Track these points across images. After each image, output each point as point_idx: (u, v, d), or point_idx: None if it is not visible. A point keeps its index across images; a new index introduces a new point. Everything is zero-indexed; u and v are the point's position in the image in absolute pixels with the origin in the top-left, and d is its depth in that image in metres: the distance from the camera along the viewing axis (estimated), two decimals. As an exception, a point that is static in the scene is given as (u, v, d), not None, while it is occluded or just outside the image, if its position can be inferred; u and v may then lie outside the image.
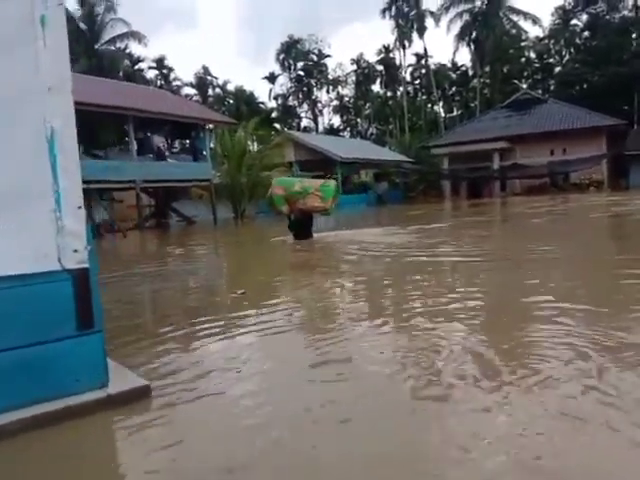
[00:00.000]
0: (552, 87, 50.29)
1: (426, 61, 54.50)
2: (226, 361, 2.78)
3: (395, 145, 47.56)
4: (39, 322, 2.07)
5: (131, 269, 7.81)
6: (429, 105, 60.48)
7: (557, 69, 51.18)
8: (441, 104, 59.53)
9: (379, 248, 8.22)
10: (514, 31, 47.40)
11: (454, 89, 59.60)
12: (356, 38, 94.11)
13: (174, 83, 55.22)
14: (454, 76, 58.36)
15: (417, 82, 60.09)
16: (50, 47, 2.07)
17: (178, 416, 2.13)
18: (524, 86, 47.74)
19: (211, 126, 24.89)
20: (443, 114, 59.72)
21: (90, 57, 40.16)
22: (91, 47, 40.95)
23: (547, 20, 67.71)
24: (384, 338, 3.11)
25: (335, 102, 65.75)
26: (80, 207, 2.16)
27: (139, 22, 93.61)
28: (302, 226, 10.38)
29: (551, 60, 52.17)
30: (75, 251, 2.13)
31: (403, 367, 2.53)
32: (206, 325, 3.65)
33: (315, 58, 61.96)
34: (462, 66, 56.72)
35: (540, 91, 47.59)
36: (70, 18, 40.96)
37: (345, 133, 65.12)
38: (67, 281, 2.11)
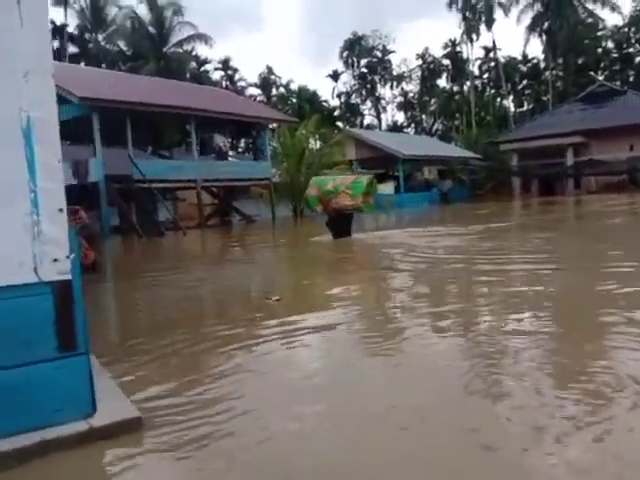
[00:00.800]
0: (632, 78, 47.05)
1: (495, 54, 52.46)
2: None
3: (461, 141, 46.08)
4: (12, 342, 1.79)
5: (175, 270, 7.68)
6: (498, 99, 58.24)
7: (638, 59, 47.85)
8: (511, 98, 57.17)
9: (426, 253, 7.55)
10: (590, 20, 44.71)
11: (525, 82, 57.06)
12: (421, 33, 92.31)
13: (239, 83, 56.05)
14: (525, 69, 55.85)
15: (485, 76, 57.97)
16: (27, 25, 1.79)
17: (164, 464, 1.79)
18: (600, 78, 44.99)
19: (274, 125, 24.91)
20: (513, 109, 57.34)
21: (159, 60, 41.35)
22: (160, 50, 42.14)
23: (627, 7, 63.71)
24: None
25: (399, 98, 64.62)
26: (62, 210, 1.87)
27: (206, 25, 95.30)
28: (339, 225, 10.17)
29: (631, 50, 48.81)
30: (55, 260, 1.84)
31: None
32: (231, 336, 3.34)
33: (379, 54, 61.09)
34: (533, 58, 54.20)
35: (618, 83, 44.68)
36: (140, 22, 42.48)
37: (409, 130, 63.88)
38: (46, 295, 1.83)
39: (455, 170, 37.59)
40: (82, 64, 40.37)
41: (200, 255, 10.84)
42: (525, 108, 57.93)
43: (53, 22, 42.61)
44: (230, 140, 24.17)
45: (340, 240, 9.95)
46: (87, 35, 45.10)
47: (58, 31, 42.67)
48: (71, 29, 44.33)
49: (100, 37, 44.86)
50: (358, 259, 8.11)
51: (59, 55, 41.62)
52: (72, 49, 44.49)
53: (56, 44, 43.46)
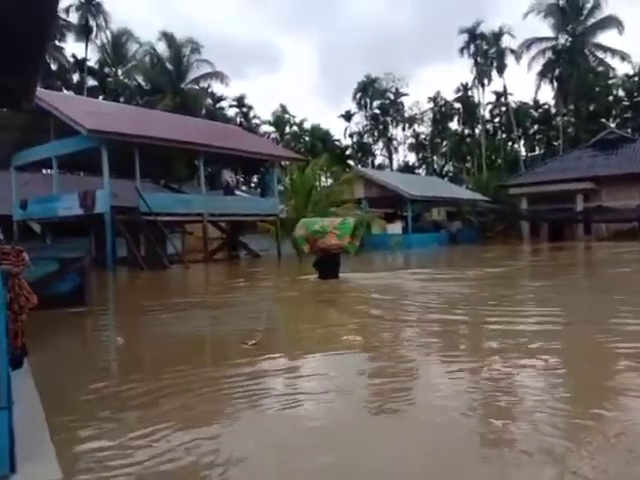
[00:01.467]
0: (643, 126, 47.22)
1: (506, 99, 53.03)
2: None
3: (472, 183, 46.18)
4: None
5: (157, 306, 7.52)
6: (509, 143, 58.62)
7: (649, 107, 48.09)
8: (522, 142, 57.53)
9: (415, 301, 7.25)
10: (601, 68, 45.13)
11: (536, 127, 57.47)
12: (434, 76, 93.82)
13: (253, 121, 56.98)
14: (536, 114, 56.35)
15: (496, 120, 58.47)
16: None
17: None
18: (612, 125, 45.13)
19: (286, 163, 25.09)
20: (524, 152, 57.63)
21: (175, 95, 42.16)
22: (177, 86, 43.02)
23: (638, 56, 64.46)
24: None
25: (411, 139, 65.29)
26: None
27: (223, 65, 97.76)
28: (326, 265, 10.23)
29: (641, 98, 49.18)
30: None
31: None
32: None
33: (392, 96, 62.02)
34: (544, 104, 54.71)
35: (630, 130, 44.75)
36: (159, 58, 43.58)
37: (420, 170, 64.30)
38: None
39: (464, 212, 37.53)
40: (101, 97, 41.33)
41: (189, 291, 10.70)
42: (537, 152, 58.16)
43: (74, 56, 43.95)
44: (238, 176, 24.25)
45: (328, 281, 9.91)
46: (107, 69, 46.30)
47: (78, 65, 43.90)
48: (91, 63, 45.53)
49: (119, 72, 46.05)
50: (339, 305, 7.80)
51: (79, 88, 42.75)
52: (92, 82, 45.61)
53: (76, 77, 44.70)
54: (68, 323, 5.92)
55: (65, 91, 39.47)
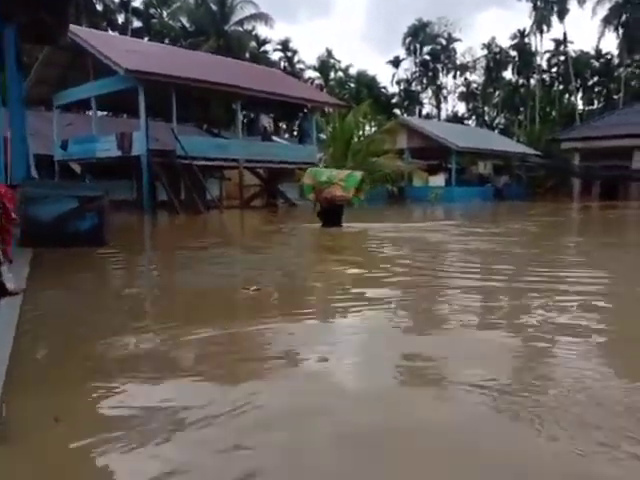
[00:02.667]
0: None
1: (565, 47, 49.84)
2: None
3: (523, 136, 44.23)
4: None
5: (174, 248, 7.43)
6: (566, 95, 55.51)
7: None
8: (580, 95, 54.41)
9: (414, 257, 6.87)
10: (673, 14, 41.62)
11: (596, 79, 54.06)
12: (488, 22, 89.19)
13: (297, 65, 55.68)
14: (597, 64, 52.86)
15: (554, 70, 55.24)
16: None
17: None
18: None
19: (329, 110, 24.42)
20: (581, 106, 54.54)
21: (219, 37, 41.47)
22: (220, 28, 42.21)
23: None
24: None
25: (461, 88, 62.68)
26: None
27: (272, 6, 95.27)
28: (329, 215, 10.53)
29: None
30: None
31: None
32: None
33: (444, 42, 59.27)
34: (607, 54, 51.16)
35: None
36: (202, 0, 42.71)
37: (470, 122, 61.94)
38: None
39: (512, 166, 36.11)
40: (145, 39, 41.01)
41: (213, 235, 10.69)
42: (595, 106, 54.96)
43: (119, -4, 43.55)
44: (280, 122, 23.84)
45: (331, 229, 10.33)
46: (152, 10, 45.80)
47: (123, 5, 43.53)
48: (137, 4, 45.09)
49: (164, 13, 45.49)
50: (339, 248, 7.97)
51: (124, 29, 42.52)
52: (137, 24, 45.29)
53: (121, 19, 44.44)
54: (78, 260, 5.90)
55: (110, 32, 39.32)
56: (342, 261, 6.47)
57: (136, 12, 45.07)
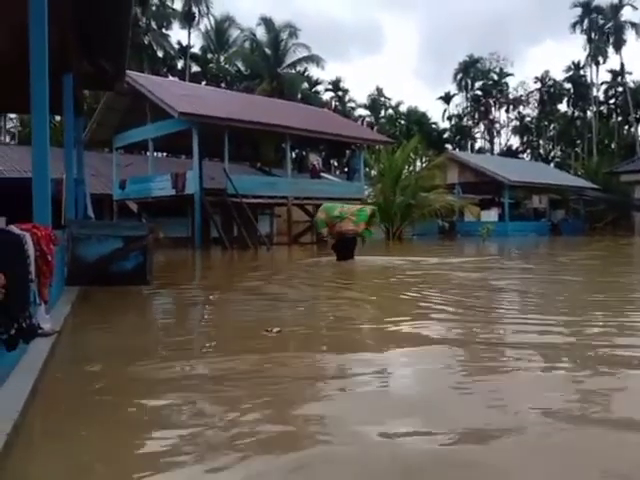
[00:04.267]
0: None
1: (623, 78, 48.52)
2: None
3: (580, 169, 42.94)
4: None
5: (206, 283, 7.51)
6: (625, 127, 53.74)
7: None
8: (640, 126, 52.53)
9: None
10: None
11: (658, 109, 52.18)
12: (541, 55, 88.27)
13: (348, 104, 56.61)
14: (658, 94, 51.12)
15: (611, 101, 53.77)
16: None
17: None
18: None
19: (378, 146, 24.59)
20: (643, 137, 52.58)
21: (272, 80, 42.81)
22: (274, 70, 43.60)
23: None
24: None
25: (515, 122, 61.83)
26: None
27: (325, 46, 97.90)
28: (342, 248, 10.88)
29: None
30: None
31: None
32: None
33: (495, 77, 58.97)
34: (669, 83, 49.51)
35: None
36: (258, 44, 44.38)
37: (525, 155, 60.79)
38: None
39: (569, 200, 35.00)
40: (203, 83, 42.83)
41: (252, 271, 10.57)
42: (658, 137, 52.89)
43: (179, 43, 45.91)
44: (325, 158, 24.15)
45: (343, 263, 10.55)
46: (209, 55, 47.94)
47: (183, 51, 45.79)
48: (195, 49, 47.34)
49: (221, 57, 47.49)
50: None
51: (182, 74, 44.65)
52: (195, 68, 47.44)
53: (180, 64, 46.71)
54: (121, 300, 6.03)
55: (170, 77, 41.33)
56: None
57: (194, 57, 47.27)
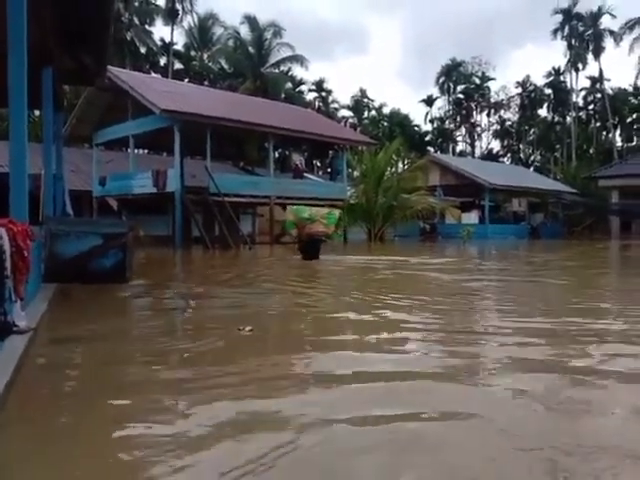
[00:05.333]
0: None
1: (602, 85, 49.41)
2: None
3: (560, 174, 43.64)
4: None
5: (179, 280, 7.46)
6: (603, 132, 54.72)
7: None
8: (618, 132, 53.49)
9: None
10: None
11: (635, 116, 53.24)
12: (523, 60, 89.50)
13: (332, 105, 56.72)
14: (635, 101, 52.14)
15: (590, 107, 54.72)
16: None
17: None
18: None
19: (361, 147, 24.65)
20: (620, 143, 53.59)
21: (256, 79, 42.68)
22: (257, 69, 43.48)
23: None
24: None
25: (496, 126, 62.58)
26: None
27: (309, 45, 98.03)
28: (309, 249, 11.49)
29: None
30: None
31: None
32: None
33: (477, 81, 59.64)
34: (646, 90, 50.54)
35: None
36: (242, 42, 44.20)
37: (505, 159, 61.57)
38: None
39: (548, 204, 35.54)
40: (186, 80, 42.52)
41: (225, 271, 10.36)
42: (634, 143, 53.92)
43: (162, 40, 45.49)
44: (308, 158, 24.16)
45: (310, 261, 11.13)
46: (192, 53, 47.61)
47: (165, 48, 45.41)
48: (178, 47, 46.97)
49: (204, 55, 47.20)
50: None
51: (165, 71, 44.28)
52: (178, 65, 47.07)
53: (163, 61, 46.32)
54: (98, 297, 5.96)
55: (152, 74, 40.96)
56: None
57: (177, 54, 46.90)
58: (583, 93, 53.44)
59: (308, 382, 2.79)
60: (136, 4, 41.93)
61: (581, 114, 54.45)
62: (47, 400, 2.48)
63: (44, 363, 3.15)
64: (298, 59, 44.76)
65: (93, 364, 3.14)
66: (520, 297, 6.23)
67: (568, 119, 54.15)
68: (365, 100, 59.09)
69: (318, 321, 4.70)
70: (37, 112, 21.15)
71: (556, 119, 56.60)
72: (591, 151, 52.14)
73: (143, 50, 43.09)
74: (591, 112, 54.92)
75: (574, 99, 51.88)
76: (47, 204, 7.35)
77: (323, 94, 55.96)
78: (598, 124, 54.43)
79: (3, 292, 2.78)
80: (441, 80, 58.47)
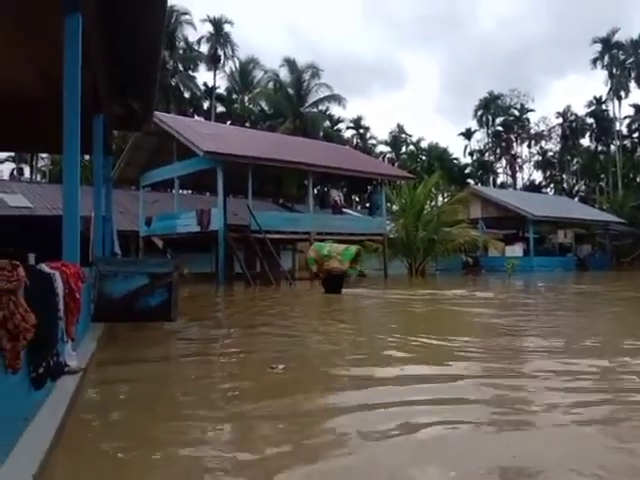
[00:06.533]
0: None
1: (646, 112, 48.29)
2: None
3: (606, 204, 42.42)
4: None
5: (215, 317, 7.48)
6: (651, 160, 53.15)
7: None
8: (665, 159, 51.88)
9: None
10: None
11: (684, 142, 51.66)
12: (562, 91, 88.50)
13: (370, 141, 57.23)
14: (683, 127, 50.68)
15: (635, 135, 53.35)
16: None
17: None
18: None
19: (401, 182, 24.67)
20: (669, 170, 51.88)
21: (295, 119, 43.64)
22: (297, 110, 44.49)
23: None
24: None
25: (537, 157, 61.68)
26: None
27: (346, 83, 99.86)
28: (331, 283, 12.03)
29: None
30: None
31: None
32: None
33: (516, 113, 59.24)
34: (695, 116, 49.08)
35: None
36: (281, 84, 45.45)
37: (548, 190, 60.39)
38: None
39: (595, 235, 34.49)
40: (228, 123, 43.80)
41: (267, 310, 10.00)
42: (684, 170, 52.12)
43: (205, 84, 47.24)
44: (348, 194, 24.30)
45: (331, 295, 11.68)
46: (234, 96, 49.17)
47: (208, 92, 47.09)
48: (220, 90, 48.63)
49: (245, 98, 48.66)
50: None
51: (208, 114, 45.80)
52: (220, 109, 48.64)
53: (206, 104, 47.97)
54: (146, 337, 6.05)
55: (196, 117, 42.41)
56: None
57: (220, 98, 48.52)
58: (627, 121, 52.30)
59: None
60: (181, 51, 43.88)
61: (626, 142, 53.15)
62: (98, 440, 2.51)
63: (94, 404, 3.21)
64: (336, 98, 45.61)
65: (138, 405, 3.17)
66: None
67: (612, 148, 52.93)
68: (403, 135, 59.41)
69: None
70: (87, 156, 22.22)
71: (599, 148, 55.41)
72: (638, 179, 50.59)
73: (187, 95, 44.78)
74: (636, 140, 53.55)
75: (617, 127, 50.79)
76: (97, 245, 7.58)
77: (361, 131, 56.61)
78: (645, 152, 53.01)
79: (56, 333, 2.85)
80: (479, 113, 58.40)
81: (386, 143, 58.87)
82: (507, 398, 3.23)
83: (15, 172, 43.03)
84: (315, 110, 46.61)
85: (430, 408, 3.03)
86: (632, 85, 45.48)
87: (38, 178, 42.21)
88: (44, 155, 42.34)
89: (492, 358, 4.57)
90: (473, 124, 59.92)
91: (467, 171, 59.60)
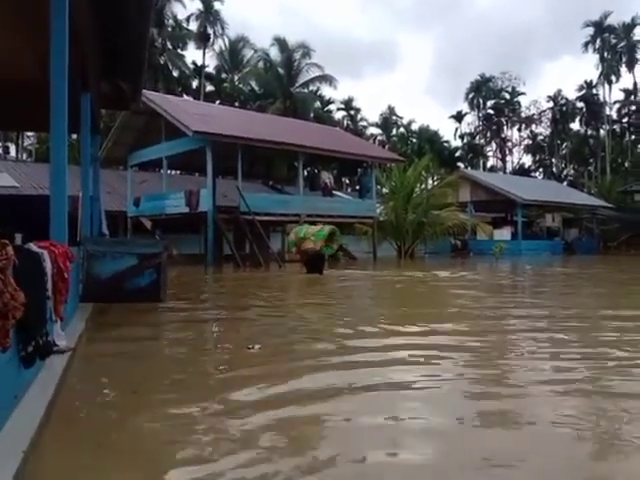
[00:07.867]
0: None
1: (636, 97, 48.42)
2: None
3: (594, 188, 42.75)
4: None
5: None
6: (639, 146, 53.47)
7: None
8: (654, 144, 52.25)
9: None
10: None
11: (672, 127, 51.97)
12: (554, 74, 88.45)
13: (360, 123, 56.98)
14: (672, 113, 50.96)
15: (625, 120, 53.60)
16: None
17: None
18: None
19: (390, 164, 24.64)
20: (656, 155, 52.25)
21: (285, 99, 43.28)
22: (287, 90, 44.10)
23: None
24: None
25: (527, 141, 61.80)
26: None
27: (339, 65, 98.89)
28: (311, 264, 12.65)
29: None
30: None
31: None
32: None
33: (507, 96, 59.17)
34: (683, 101, 49.32)
35: None
36: (271, 63, 44.98)
37: (537, 174, 60.65)
38: None
39: (583, 219, 34.80)
40: (217, 102, 43.33)
41: (253, 290, 10.05)
42: (672, 155, 52.53)
43: (194, 63, 46.60)
44: (338, 176, 24.27)
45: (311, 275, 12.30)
46: (223, 75, 48.59)
47: (197, 71, 46.49)
48: (210, 69, 48.03)
49: (235, 77, 48.11)
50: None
51: (197, 93, 45.27)
52: (209, 88, 48.08)
53: (195, 83, 47.40)
54: (134, 317, 6.06)
55: (185, 96, 41.91)
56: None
57: (209, 77, 47.93)
58: (617, 106, 52.51)
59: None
60: (169, 29, 43.15)
61: (615, 127, 53.40)
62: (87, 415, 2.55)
63: (83, 381, 3.24)
64: (327, 79, 45.24)
65: (129, 381, 3.21)
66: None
67: (602, 132, 53.18)
68: (394, 117, 59.20)
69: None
70: (75, 135, 21.93)
71: (589, 133, 55.63)
72: (626, 164, 50.95)
73: (176, 74, 44.19)
74: (625, 125, 53.82)
75: (608, 112, 51.00)
76: (84, 225, 7.54)
77: (351, 112, 56.32)
78: (633, 137, 53.26)
79: (45, 313, 2.86)
80: (470, 96, 58.28)
81: (377, 125, 58.68)
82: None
83: (1, 151, 42.43)
84: (305, 90, 46.20)
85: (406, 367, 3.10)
86: (623, 69, 45.64)
87: (24, 157, 41.67)
88: (30, 134, 41.77)
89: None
90: (464, 107, 59.89)
91: (457, 154, 59.64)
